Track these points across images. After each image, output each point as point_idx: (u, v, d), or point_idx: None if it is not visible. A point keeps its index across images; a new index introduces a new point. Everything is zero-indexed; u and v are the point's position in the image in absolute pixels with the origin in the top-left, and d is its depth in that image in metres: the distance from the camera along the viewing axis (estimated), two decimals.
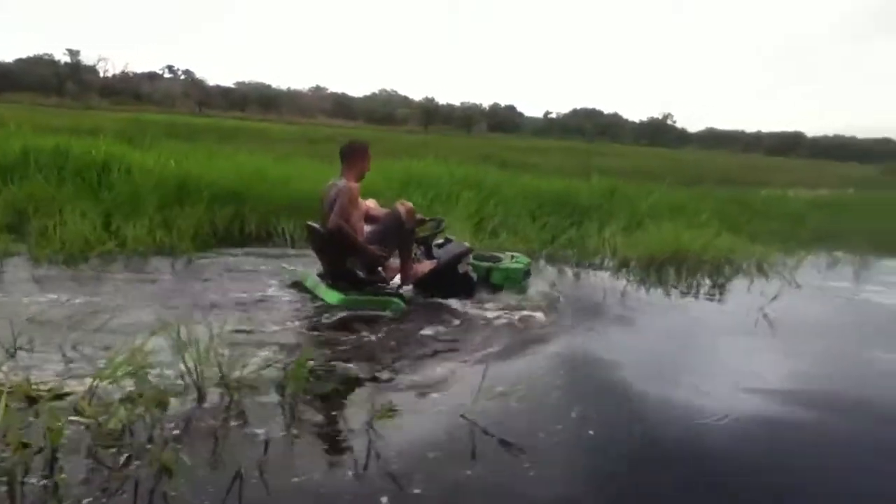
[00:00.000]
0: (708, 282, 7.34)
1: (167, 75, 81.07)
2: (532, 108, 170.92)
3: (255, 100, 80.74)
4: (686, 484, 2.99)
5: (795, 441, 3.48)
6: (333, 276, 5.31)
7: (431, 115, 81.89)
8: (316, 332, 4.59)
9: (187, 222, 7.10)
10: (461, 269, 5.74)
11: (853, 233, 11.98)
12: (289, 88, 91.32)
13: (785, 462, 3.24)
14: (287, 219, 7.85)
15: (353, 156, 5.37)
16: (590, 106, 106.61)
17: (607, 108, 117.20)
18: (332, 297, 5.12)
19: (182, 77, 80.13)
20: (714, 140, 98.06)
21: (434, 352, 4.38)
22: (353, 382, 3.76)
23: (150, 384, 3.20)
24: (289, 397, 3.42)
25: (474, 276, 5.85)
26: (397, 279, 5.59)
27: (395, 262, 5.59)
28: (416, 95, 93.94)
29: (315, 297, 5.26)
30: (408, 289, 5.56)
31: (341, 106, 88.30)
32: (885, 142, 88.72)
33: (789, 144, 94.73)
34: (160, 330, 3.52)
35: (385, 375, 3.90)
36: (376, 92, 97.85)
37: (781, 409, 3.85)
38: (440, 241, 5.99)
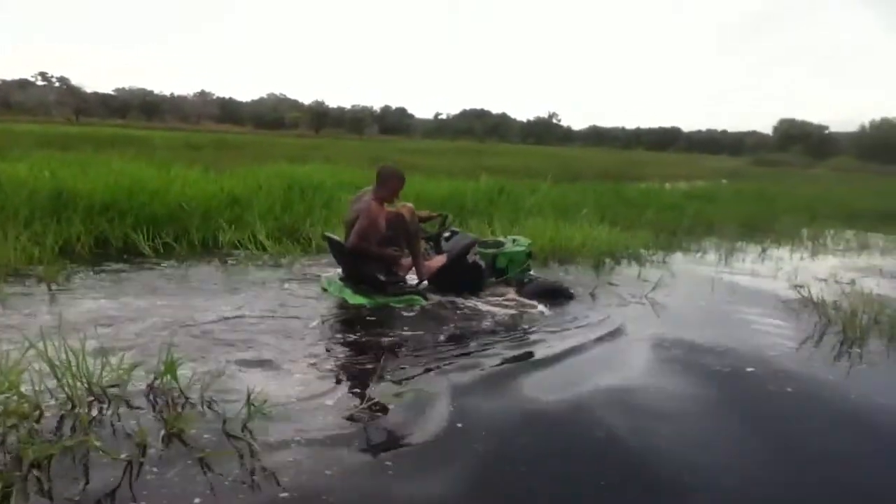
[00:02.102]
0: (590, 272, 7.67)
1: (40, 83, 76.19)
2: (423, 110, 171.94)
3: (136, 106, 77.50)
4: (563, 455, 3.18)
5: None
6: (356, 281, 5.66)
7: (322, 118, 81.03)
8: (190, 338, 4.51)
9: (60, 236, 6.80)
10: (470, 258, 6.04)
11: (724, 220, 12.83)
12: (172, 94, 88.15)
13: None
14: (166, 228, 7.63)
15: (387, 180, 5.61)
16: (479, 106, 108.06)
17: (496, 109, 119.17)
18: (358, 300, 5.51)
19: (56, 84, 75.65)
20: (597, 137, 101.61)
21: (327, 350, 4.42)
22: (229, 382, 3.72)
23: (20, 398, 3.13)
24: (159, 401, 3.43)
25: (482, 263, 6.12)
26: (411, 276, 5.91)
27: (406, 260, 5.88)
28: (306, 99, 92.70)
29: (343, 302, 5.57)
30: (423, 284, 5.90)
31: (228, 111, 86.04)
32: (753, 134, 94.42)
33: (667, 140, 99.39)
34: (27, 348, 3.40)
35: (266, 373, 3.89)
36: (264, 96, 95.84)
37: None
38: (447, 234, 6.26)
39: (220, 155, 19.90)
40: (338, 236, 5.85)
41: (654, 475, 3.12)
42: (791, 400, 4.18)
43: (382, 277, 5.58)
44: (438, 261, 5.96)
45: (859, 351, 5.20)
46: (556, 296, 6.19)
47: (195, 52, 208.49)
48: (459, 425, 3.46)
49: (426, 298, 5.72)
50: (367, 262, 5.53)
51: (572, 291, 6.38)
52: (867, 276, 8.45)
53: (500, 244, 6.50)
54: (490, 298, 5.99)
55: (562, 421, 3.65)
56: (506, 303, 5.94)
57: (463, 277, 6.01)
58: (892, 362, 5.04)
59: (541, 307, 5.86)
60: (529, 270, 6.44)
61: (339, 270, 6.01)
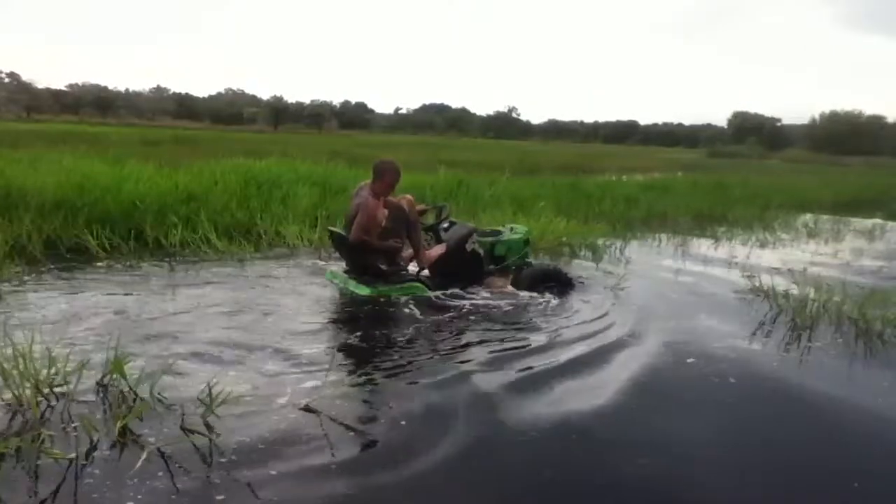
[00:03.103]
0: (546, 261, 7.75)
1: None
2: (382, 105, 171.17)
3: (90, 103, 75.77)
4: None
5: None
6: (360, 272, 5.82)
7: (280, 113, 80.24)
8: (140, 336, 4.45)
9: (10, 234, 6.65)
10: (469, 247, 6.19)
11: (679, 211, 13.05)
12: (127, 90, 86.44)
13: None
14: (119, 226, 7.49)
15: (383, 174, 5.76)
16: (439, 101, 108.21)
17: (456, 103, 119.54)
18: (363, 290, 5.66)
19: (6, 80, 73.50)
20: (556, 131, 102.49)
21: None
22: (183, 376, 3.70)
23: None
24: (108, 399, 3.41)
25: (481, 251, 6.28)
26: (412, 266, 6.06)
27: (407, 251, 6.05)
28: (264, 94, 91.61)
29: (348, 292, 5.76)
30: (424, 274, 6.05)
31: (184, 107, 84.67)
32: (709, 127, 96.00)
33: (625, 133, 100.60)
34: None
35: (228, 363, 3.88)
36: (221, 91, 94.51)
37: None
38: (445, 224, 6.39)
39: (176, 151, 19.59)
40: (337, 233, 5.99)
41: (585, 466, 3.16)
42: (732, 390, 4.18)
43: (385, 267, 5.75)
44: (438, 250, 6.11)
45: (808, 339, 5.31)
46: (556, 282, 6.35)
47: (150, 47, 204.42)
48: (417, 415, 3.51)
49: (428, 287, 5.88)
50: (369, 254, 5.71)
51: (570, 277, 6.56)
52: (817, 264, 8.68)
53: (497, 233, 6.69)
54: (483, 292, 6.09)
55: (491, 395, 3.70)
56: (498, 296, 6.03)
57: (463, 266, 6.14)
58: (838, 351, 5.10)
59: (543, 297, 6.02)
60: (527, 257, 6.63)
61: (344, 263, 6.19)
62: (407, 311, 5.51)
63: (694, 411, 3.88)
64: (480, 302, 5.86)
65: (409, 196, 6.09)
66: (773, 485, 3.07)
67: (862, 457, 3.43)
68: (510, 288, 6.26)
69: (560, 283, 6.39)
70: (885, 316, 5.64)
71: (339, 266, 6.22)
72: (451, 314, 5.50)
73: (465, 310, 5.63)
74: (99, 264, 6.59)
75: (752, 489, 3.03)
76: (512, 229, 6.78)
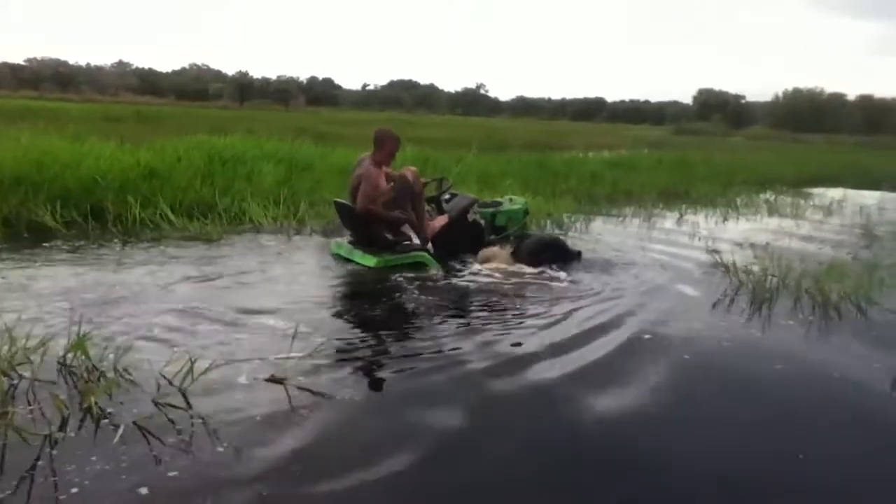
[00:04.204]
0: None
1: None
2: (350, 81, 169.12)
3: (49, 77, 73.85)
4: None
5: None
6: (366, 243, 5.97)
7: (246, 89, 79.03)
8: (103, 313, 4.40)
9: None
10: (470, 217, 6.50)
11: (644, 187, 13.19)
12: (88, 64, 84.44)
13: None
14: (80, 204, 7.38)
15: (383, 142, 5.98)
16: (407, 77, 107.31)
17: (424, 80, 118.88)
18: (369, 260, 5.81)
19: None
20: (524, 108, 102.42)
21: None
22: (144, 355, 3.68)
23: None
24: (73, 373, 3.41)
25: (482, 221, 6.58)
26: (414, 238, 6.23)
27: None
28: (230, 70, 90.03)
29: (352, 263, 5.93)
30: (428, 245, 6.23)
31: (148, 82, 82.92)
32: (674, 104, 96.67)
33: (592, 110, 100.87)
34: None
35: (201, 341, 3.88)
36: (186, 67, 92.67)
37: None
38: (446, 196, 6.67)
39: (139, 127, 19.26)
40: (343, 203, 6.16)
41: (543, 445, 3.18)
42: (685, 367, 4.17)
43: (391, 237, 5.91)
44: (441, 221, 6.37)
45: (767, 311, 5.39)
46: (555, 252, 6.48)
47: (112, 20, 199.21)
48: (386, 385, 3.58)
49: (432, 256, 6.06)
50: (375, 224, 5.87)
51: (569, 245, 6.73)
52: (778, 239, 8.85)
53: (498, 204, 6.95)
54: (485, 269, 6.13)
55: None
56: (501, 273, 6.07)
57: (464, 235, 6.38)
58: (795, 323, 5.19)
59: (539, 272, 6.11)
60: (526, 227, 6.97)
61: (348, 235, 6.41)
62: (377, 282, 5.52)
63: (645, 385, 3.83)
64: (482, 279, 5.89)
65: (413, 168, 6.29)
66: (713, 450, 3.17)
67: (808, 429, 3.45)
68: (512, 264, 6.27)
69: (560, 254, 6.53)
70: (842, 289, 5.77)
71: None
72: (429, 293, 5.47)
73: (456, 287, 5.65)
74: (58, 242, 6.49)
75: (696, 455, 3.12)
76: (511, 200, 7.08)
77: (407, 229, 6.17)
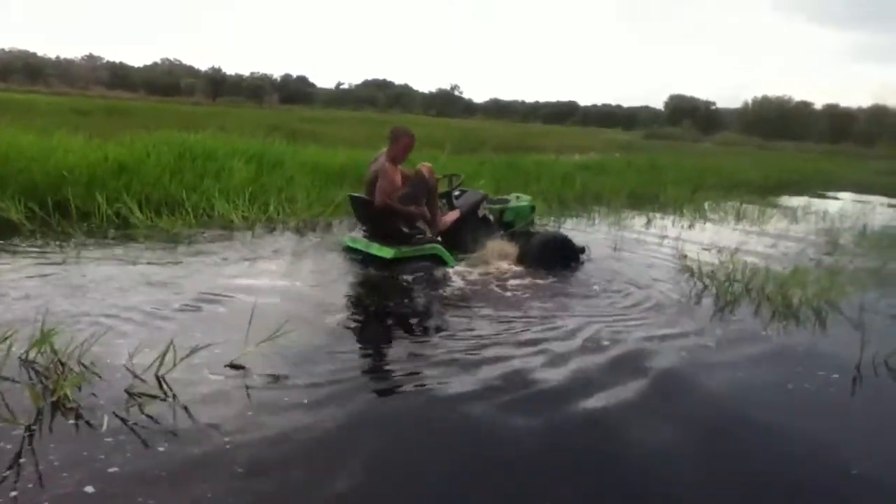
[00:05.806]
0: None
1: None
2: (324, 79, 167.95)
3: (18, 69, 72.40)
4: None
5: None
6: (382, 237, 6.09)
7: (219, 85, 78.26)
8: (69, 307, 4.38)
9: None
10: (480, 212, 6.82)
11: (614, 190, 13.32)
12: (58, 57, 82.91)
13: None
14: (46, 198, 7.23)
15: (398, 138, 6.12)
16: (381, 77, 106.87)
17: (398, 80, 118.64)
18: (387, 252, 5.92)
19: None
20: (498, 110, 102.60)
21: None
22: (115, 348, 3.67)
23: None
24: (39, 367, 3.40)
25: (491, 217, 6.89)
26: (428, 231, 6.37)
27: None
28: (202, 65, 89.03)
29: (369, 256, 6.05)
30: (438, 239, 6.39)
31: (119, 76, 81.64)
32: (646, 109, 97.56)
33: (565, 113, 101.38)
34: None
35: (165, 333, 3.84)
36: (157, 61, 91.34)
37: None
38: (457, 192, 6.91)
39: (109, 122, 18.97)
40: (360, 198, 6.29)
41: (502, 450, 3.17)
42: (644, 371, 4.14)
43: (406, 230, 6.07)
44: (452, 215, 6.61)
45: (730, 316, 5.48)
46: (562, 250, 6.76)
47: (82, 13, 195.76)
48: (339, 359, 3.60)
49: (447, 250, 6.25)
50: (393, 218, 6.01)
51: (577, 246, 6.93)
52: (744, 243, 8.97)
53: (505, 201, 7.28)
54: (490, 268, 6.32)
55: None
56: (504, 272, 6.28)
57: (475, 230, 6.61)
58: (756, 328, 5.24)
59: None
60: (533, 223, 7.26)
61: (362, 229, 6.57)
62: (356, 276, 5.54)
63: (603, 390, 3.81)
64: (475, 277, 6.07)
65: (428, 164, 6.45)
66: (656, 453, 3.23)
67: (753, 447, 3.39)
68: (514, 259, 6.52)
69: (566, 251, 6.79)
70: (804, 295, 5.88)
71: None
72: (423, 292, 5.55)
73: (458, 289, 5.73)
74: (23, 236, 6.41)
75: (639, 458, 3.18)
76: (518, 198, 7.37)
77: (420, 223, 6.32)
